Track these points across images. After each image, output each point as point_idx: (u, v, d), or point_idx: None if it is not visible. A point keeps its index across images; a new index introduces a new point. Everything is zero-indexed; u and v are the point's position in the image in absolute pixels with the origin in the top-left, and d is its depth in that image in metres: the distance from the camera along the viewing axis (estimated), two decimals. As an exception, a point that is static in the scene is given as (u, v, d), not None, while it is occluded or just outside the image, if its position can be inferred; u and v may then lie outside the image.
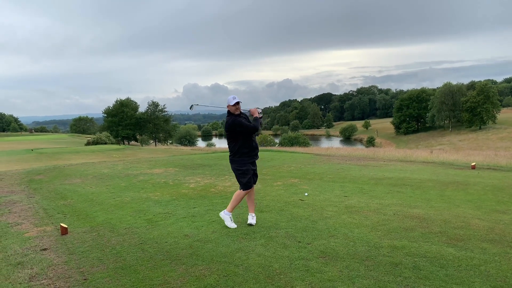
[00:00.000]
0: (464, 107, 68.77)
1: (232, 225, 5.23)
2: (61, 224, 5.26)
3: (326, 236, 4.66)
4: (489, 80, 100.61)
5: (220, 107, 5.60)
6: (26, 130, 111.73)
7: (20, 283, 3.59)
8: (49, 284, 3.56)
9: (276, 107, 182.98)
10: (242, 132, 5.09)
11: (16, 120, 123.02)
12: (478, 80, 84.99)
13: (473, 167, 11.26)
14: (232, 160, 5.28)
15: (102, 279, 3.62)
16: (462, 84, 78.38)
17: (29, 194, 8.60)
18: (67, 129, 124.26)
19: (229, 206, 5.35)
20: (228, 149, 5.42)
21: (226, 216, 5.33)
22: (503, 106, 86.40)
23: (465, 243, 4.30)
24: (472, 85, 78.89)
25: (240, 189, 5.32)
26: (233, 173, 5.41)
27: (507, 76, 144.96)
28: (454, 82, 76.90)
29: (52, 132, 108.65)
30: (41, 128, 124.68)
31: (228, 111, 5.20)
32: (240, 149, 5.17)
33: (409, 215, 5.59)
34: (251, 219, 5.35)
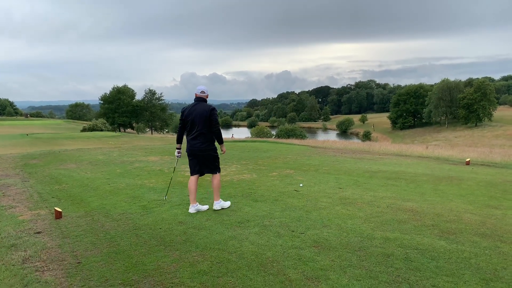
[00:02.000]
0: (461, 104, 68.95)
1: (228, 203, 5.67)
2: (55, 208, 5.26)
3: (320, 226, 4.70)
4: (486, 77, 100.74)
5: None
6: (21, 114, 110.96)
7: (13, 265, 3.60)
8: (43, 266, 3.57)
9: (273, 98, 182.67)
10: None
11: (11, 104, 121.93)
12: (477, 77, 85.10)
13: (468, 163, 11.33)
14: (215, 148, 5.51)
15: (95, 263, 3.64)
16: (460, 80, 78.49)
17: (23, 178, 8.58)
18: (63, 115, 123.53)
19: (216, 196, 5.56)
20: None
21: (219, 203, 5.55)
22: (500, 104, 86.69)
23: (456, 236, 4.35)
24: (469, 82, 79.01)
25: (217, 173, 5.55)
26: (216, 162, 5.58)
27: (506, 74, 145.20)
28: (452, 79, 77.05)
29: (47, 118, 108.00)
30: (36, 113, 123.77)
31: (205, 99, 5.52)
32: None
33: (402, 208, 5.64)
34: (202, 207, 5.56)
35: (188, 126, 5.39)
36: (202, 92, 5.46)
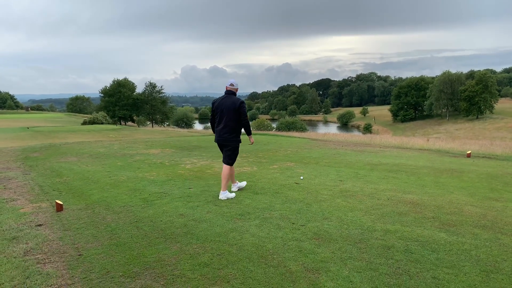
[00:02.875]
0: (462, 96, 68.71)
1: (233, 194, 5.83)
2: (57, 201, 5.27)
3: (320, 219, 4.70)
4: (488, 69, 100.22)
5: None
6: (22, 108, 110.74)
7: (15, 257, 3.61)
8: (44, 258, 3.58)
9: (274, 91, 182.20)
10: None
11: (12, 97, 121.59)
12: (478, 69, 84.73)
13: (469, 155, 11.32)
14: (239, 140, 5.82)
15: (96, 255, 3.65)
16: (461, 73, 78.13)
17: (24, 171, 8.59)
18: (64, 108, 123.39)
19: (224, 186, 5.76)
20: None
21: (225, 193, 5.72)
22: (501, 96, 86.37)
23: (457, 229, 4.35)
24: (471, 74, 78.65)
25: (229, 166, 5.84)
26: (234, 155, 5.89)
27: (508, 66, 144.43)
28: (453, 71, 76.71)
29: (48, 111, 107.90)
30: (37, 106, 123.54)
31: (234, 92, 5.81)
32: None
33: (403, 200, 5.64)
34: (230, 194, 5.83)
35: (217, 117, 5.74)
36: (232, 85, 5.78)
